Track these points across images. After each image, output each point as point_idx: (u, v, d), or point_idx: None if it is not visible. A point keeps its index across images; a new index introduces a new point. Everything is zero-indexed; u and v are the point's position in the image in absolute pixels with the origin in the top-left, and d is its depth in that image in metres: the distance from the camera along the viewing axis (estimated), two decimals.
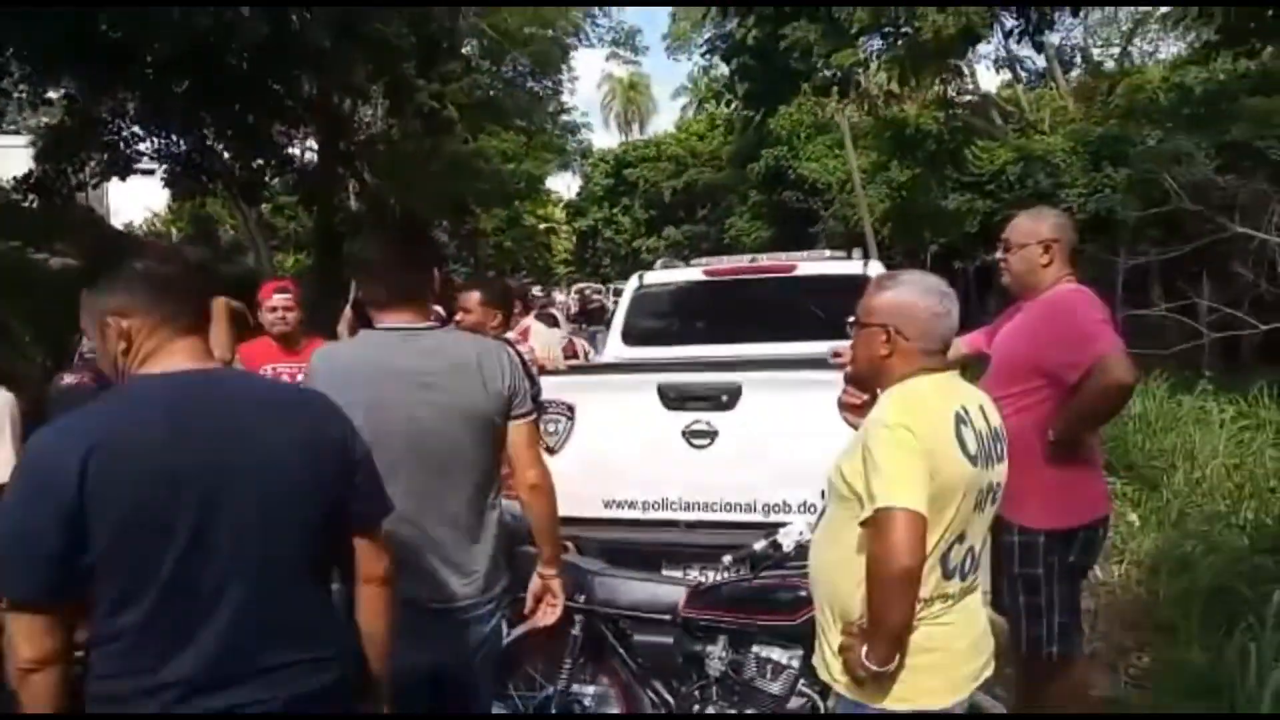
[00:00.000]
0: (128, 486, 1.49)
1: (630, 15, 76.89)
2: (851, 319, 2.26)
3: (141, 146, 13.92)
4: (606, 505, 3.81)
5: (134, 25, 9.21)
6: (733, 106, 14.12)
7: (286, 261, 24.33)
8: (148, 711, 1.52)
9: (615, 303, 23.96)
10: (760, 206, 26.76)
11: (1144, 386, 7.88)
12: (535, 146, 27.16)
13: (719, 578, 3.33)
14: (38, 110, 13.07)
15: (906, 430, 1.93)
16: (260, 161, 14.93)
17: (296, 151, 19.01)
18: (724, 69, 14.26)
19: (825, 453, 3.38)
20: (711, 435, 3.68)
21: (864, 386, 2.37)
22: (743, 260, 6.02)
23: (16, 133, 18.57)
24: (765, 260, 5.80)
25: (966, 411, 2.04)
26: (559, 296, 35.80)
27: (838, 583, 2.08)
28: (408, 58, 13.40)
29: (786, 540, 2.88)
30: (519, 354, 3.22)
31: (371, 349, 2.32)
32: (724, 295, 5.52)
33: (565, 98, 31.11)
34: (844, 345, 3.65)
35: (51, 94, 12.54)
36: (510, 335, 4.18)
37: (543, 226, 43.87)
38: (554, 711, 3.10)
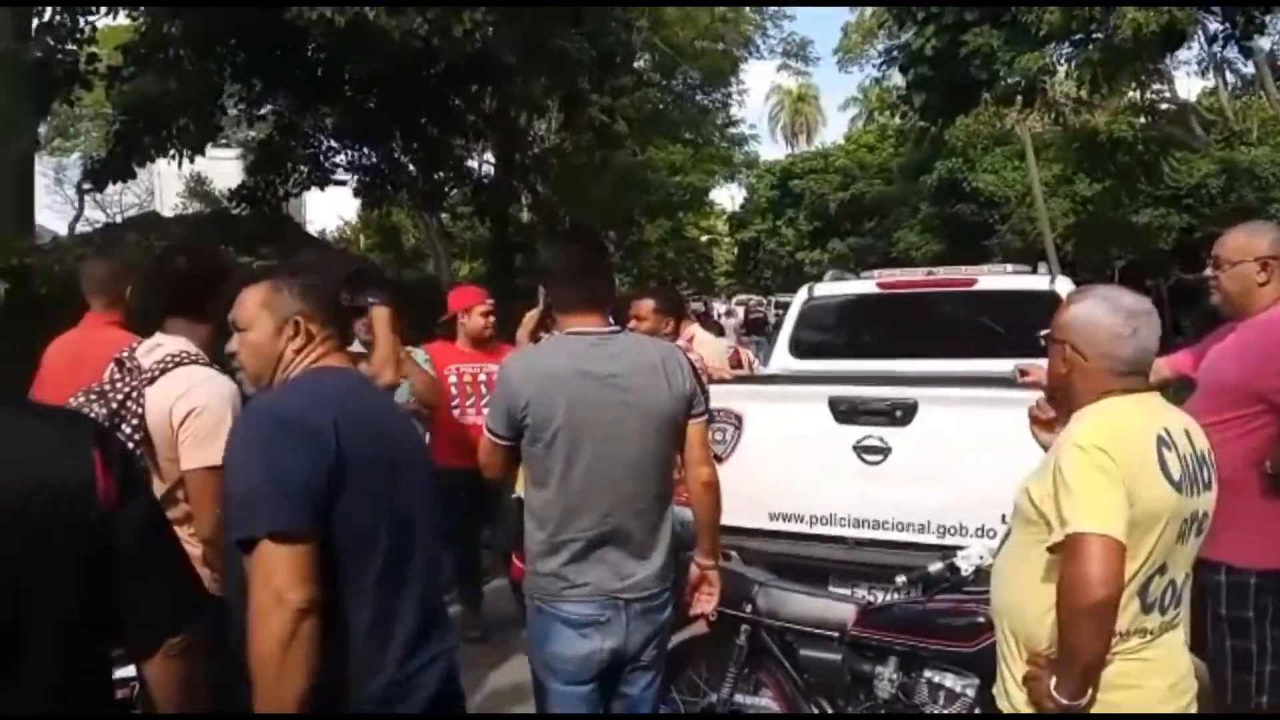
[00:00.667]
0: (364, 458, 1.69)
1: (801, 27, 76.29)
2: (1045, 332, 2.18)
3: (338, 159, 14.98)
4: (772, 517, 3.79)
5: (339, 46, 9.92)
6: (906, 118, 13.73)
7: (463, 268, 25.53)
8: (387, 659, 1.72)
9: (777, 314, 23.73)
10: (932, 219, 25.92)
11: None
12: (702, 158, 27.33)
13: (891, 598, 3.25)
14: (252, 126, 14.26)
15: (1102, 452, 1.83)
16: (441, 174, 15.73)
17: (475, 164, 19.94)
18: (897, 80, 13.89)
19: (1006, 475, 3.24)
20: (884, 451, 3.60)
21: (1056, 404, 2.27)
22: (918, 272, 5.84)
23: (228, 146, 20.39)
24: (942, 273, 5.60)
25: (1169, 434, 1.92)
26: (718, 306, 35.79)
27: (1024, 610, 2.00)
28: (584, 72, 13.80)
29: (964, 563, 2.80)
30: (690, 362, 3.28)
31: (567, 354, 2.42)
32: (898, 309, 5.37)
33: (734, 110, 31.23)
34: (1031, 363, 3.51)
35: (262, 111, 13.65)
36: (679, 343, 4.24)
37: (705, 238, 44.03)
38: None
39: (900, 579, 2.95)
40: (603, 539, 2.36)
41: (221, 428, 2.27)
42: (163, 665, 1.38)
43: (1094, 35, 9.58)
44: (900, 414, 3.60)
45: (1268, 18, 10.82)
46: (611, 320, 2.54)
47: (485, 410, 5.68)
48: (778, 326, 6.67)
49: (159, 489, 2.30)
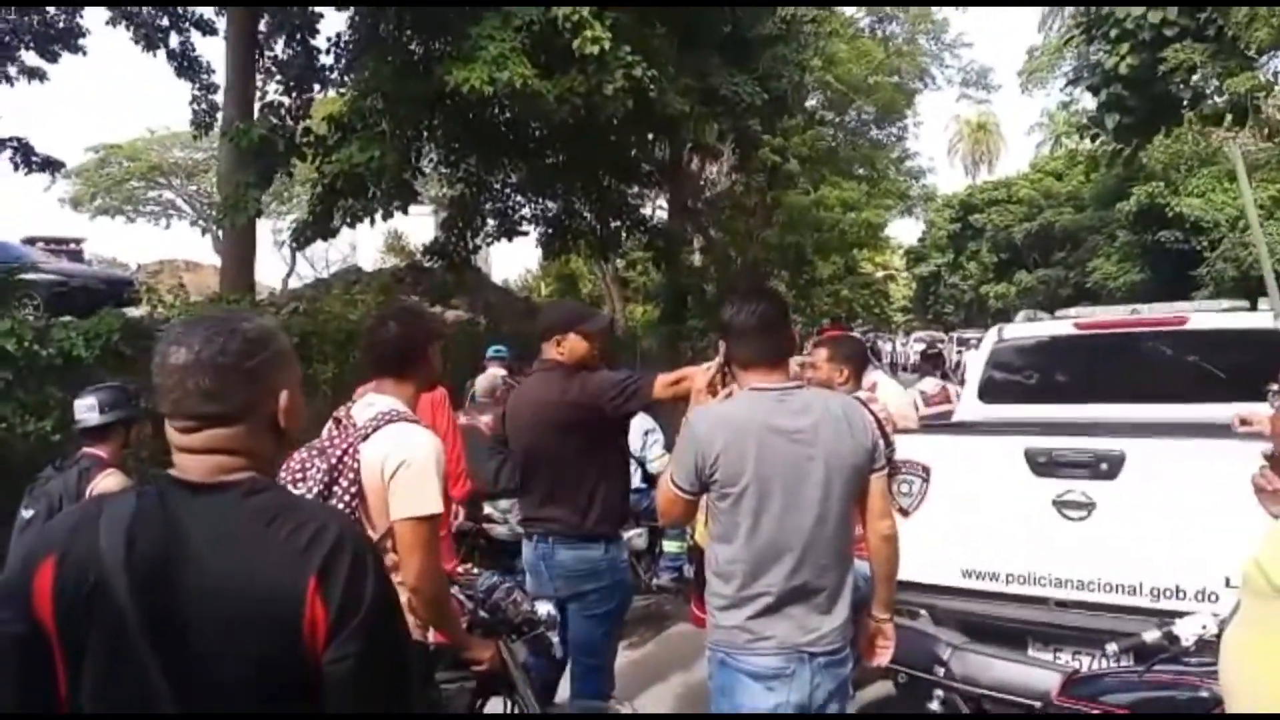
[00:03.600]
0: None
1: (981, 55, 73.87)
2: (1274, 386, 1.98)
3: (523, 212, 15.75)
4: (965, 575, 3.62)
5: (519, 108, 10.50)
6: (1098, 140, 12.96)
7: (637, 312, 26.07)
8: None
9: (959, 351, 22.74)
10: (1130, 248, 24.24)
11: None
12: (877, 193, 26.82)
13: (1101, 665, 3.02)
14: (451, 185, 15.24)
15: None
16: (617, 222, 16.20)
17: (649, 210, 20.41)
18: (1087, 102, 13.15)
19: (1227, 532, 2.99)
20: (1088, 507, 3.38)
21: None
22: (1120, 311, 5.44)
23: (423, 203, 21.84)
24: (1148, 312, 5.19)
25: None
26: (890, 345, 34.67)
27: (1270, 694, 1.81)
28: (756, 115, 13.90)
29: (1185, 632, 2.56)
30: (873, 413, 3.20)
31: (752, 408, 2.45)
32: (1099, 351, 5.03)
33: (909, 143, 30.58)
34: (1253, 409, 3.20)
35: (456, 171, 14.57)
36: (861, 394, 4.15)
37: (881, 274, 42.99)
38: None
39: (1111, 646, 2.74)
40: (789, 594, 2.36)
41: (428, 480, 2.44)
42: None
43: None
44: (1105, 467, 3.36)
45: None
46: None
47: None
48: (958, 365, 6.40)
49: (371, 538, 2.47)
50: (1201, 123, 12.41)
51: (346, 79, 12.05)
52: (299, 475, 2.41)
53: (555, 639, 3.22)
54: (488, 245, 16.21)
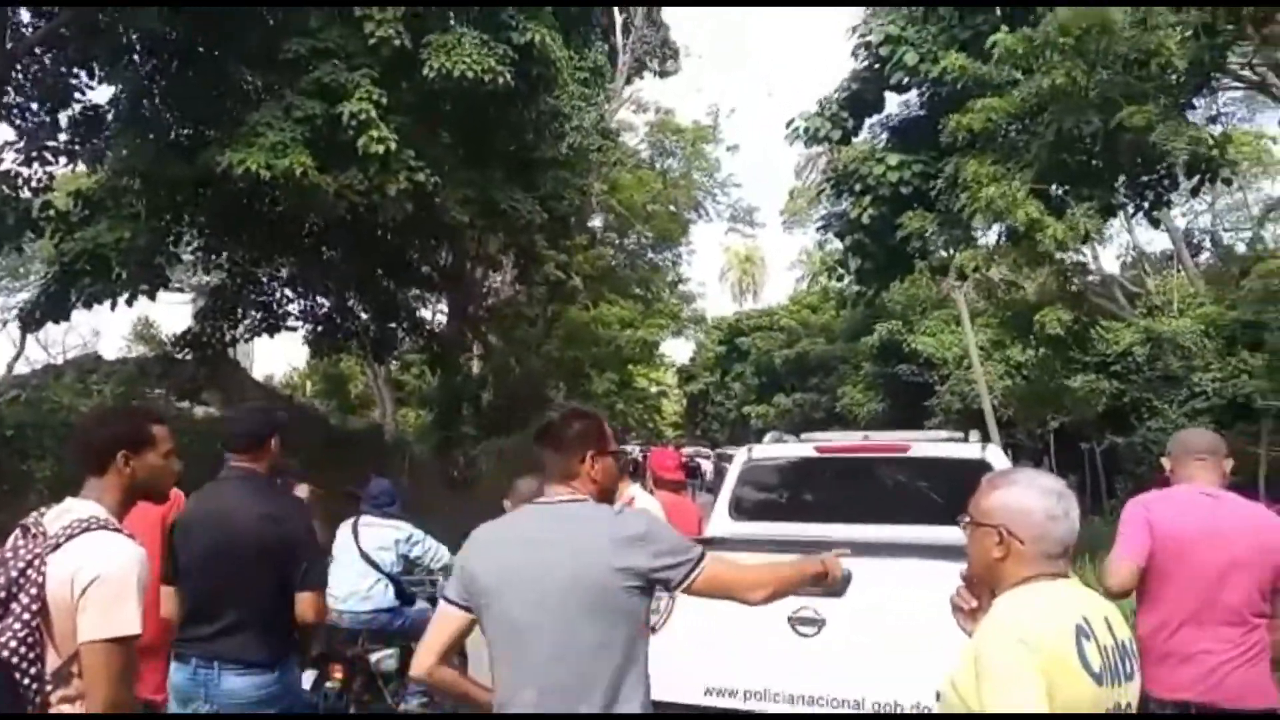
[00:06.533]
0: None
1: (748, 193, 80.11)
2: (965, 518, 2.17)
3: (291, 307, 15.09)
4: (707, 692, 3.68)
5: (295, 199, 10.19)
6: (845, 281, 14.32)
7: (409, 417, 25.30)
8: None
9: (720, 467, 23.69)
10: (874, 378, 26.57)
11: None
12: (652, 314, 28.00)
13: None
14: (209, 273, 14.37)
15: (1021, 642, 1.83)
16: (394, 324, 15.89)
17: (428, 314, 20.17)
18: (837, 245, 14.56)
19: (942, 650, 3.22)
20: (819, 624, 3.56)
21: (977, 590, 2.25)
22: (855, 437, 5.92)
23: (180, 290, 20.41)
24: (878, 438, 5.68)
25: (1089, 624, 1.89)
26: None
27: None
28: (539, 231, 14.25)
29: None
30: None
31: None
32: (835, 473, 5.41)
33: (683, 268, 32.36)
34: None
35: (218, 258, 13.78)
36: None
37: (654, 390, 44.51)
38: None
39: None
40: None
41: (125, 597, 2.17)
42: None
43: (1020, 238, 10.18)
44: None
45: (1173, 195, 11.65)
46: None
47: None
48: (720, 476, 6.68)
49: (54, 664, 2.17)
50: (931, 273, 14.01)
51: (100, 155, 11.24)
52: None
53: None
54: (246, 340, 15.33)
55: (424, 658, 2.37)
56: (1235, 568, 3.07)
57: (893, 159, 11.79)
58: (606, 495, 2.48)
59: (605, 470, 2.46)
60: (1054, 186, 9.91)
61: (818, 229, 17.71)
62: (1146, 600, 3.23)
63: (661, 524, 2.43)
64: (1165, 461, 3.44)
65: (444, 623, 2.37)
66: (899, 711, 3.36)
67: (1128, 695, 1.92)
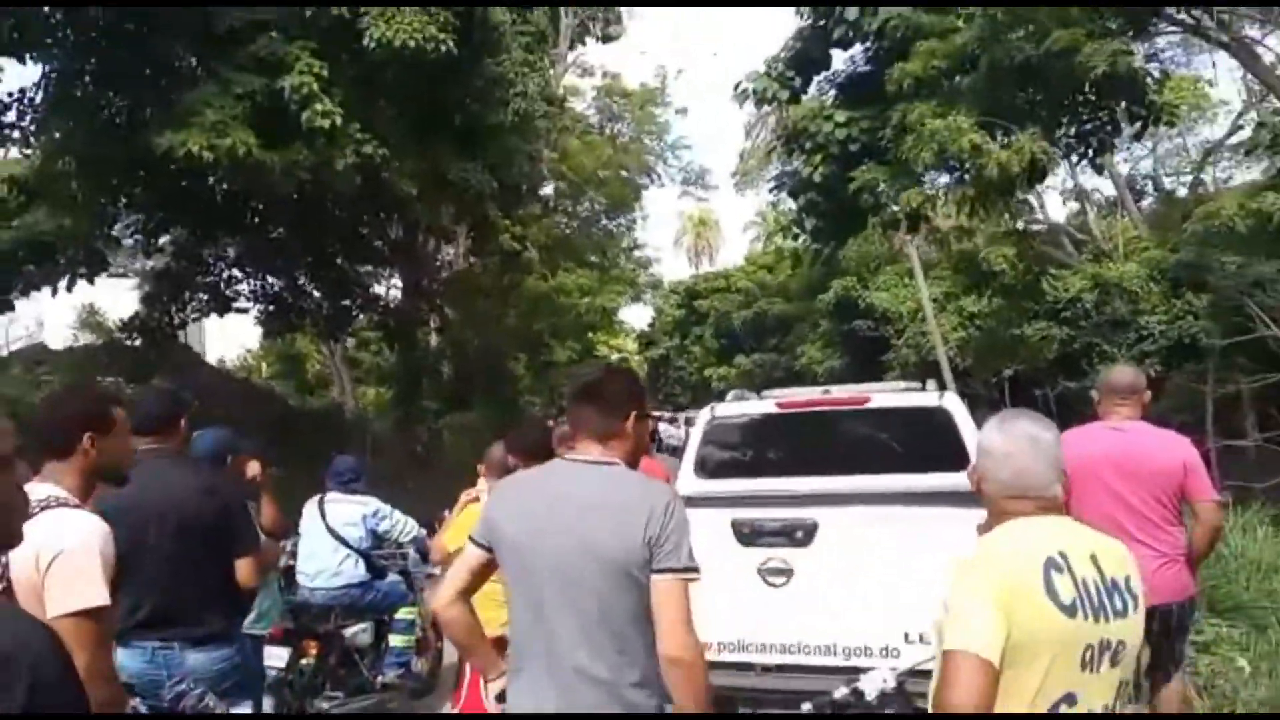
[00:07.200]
0: None
1: (699, 155, 79.89)
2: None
3: (240, 287, 14.80)
4: None
5: (240, 178, 9.96)
6: (800, 240, 14.39)
7: (369, 394, 25.05)
8: None
9: (687, 431, 23.78)
10: (831, 335, 26.79)
11: (1244, 522, 7.48)
12: (609, 281, 27.91)
13: None
14: (150, 256, 14.01)
15: (977, 574, 1.88)
16: (348, 301, 15.66)
17: (382, 290, 19.90)
18: (791, 204, 14.61)
19: (906, 594, 3.30)
20: (787, 574, 3.63)
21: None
22: (815, 392, 5.97)
23: (124, 275, 19.91)
24: (838, 392, 5.73)
25: (1065, 557, 1.88)
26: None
27: None
28: (491, 201, 14.08)
29: (869, 687, 2.78)
30: None
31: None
32: (797, 427, 5.46)
33: (638, 234, 32.28)
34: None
35: (161, 241, 13.43)
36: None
37: (616, 357, 44.54)
38: None
39: (806, 706, 2.91)
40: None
41: (89, 570, 2.17)
42: None
43: (967, 169, 10.26)
44: (801, 534, 3.64)
45: (1116, 140, 11.87)
46: None
47: None
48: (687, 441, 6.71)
49: None
50: (883, 228, 14.14)
51: (32, 139, 10.86)
52: None
53: None
54: (195, 321, 15.03)
55: (444, 591, 2.41)
56: (1139, 484, 3.60)
57: (840, 116, 11.85)
58: (635, 458, 2.48)
59: (641, 432, 2.47)
60: (997, 122, 9.99)
61: (770, 189, 17.78)
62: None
63: (684, 512, 2.39)
64: (1094, 394, 4.01)
65: (465, 560, 2.41)
66: (870, 652, 3.43)
67: (1120, 633, 1.90)
